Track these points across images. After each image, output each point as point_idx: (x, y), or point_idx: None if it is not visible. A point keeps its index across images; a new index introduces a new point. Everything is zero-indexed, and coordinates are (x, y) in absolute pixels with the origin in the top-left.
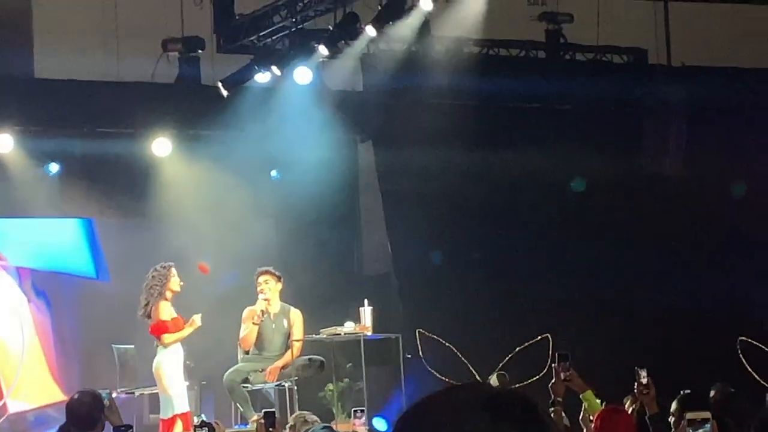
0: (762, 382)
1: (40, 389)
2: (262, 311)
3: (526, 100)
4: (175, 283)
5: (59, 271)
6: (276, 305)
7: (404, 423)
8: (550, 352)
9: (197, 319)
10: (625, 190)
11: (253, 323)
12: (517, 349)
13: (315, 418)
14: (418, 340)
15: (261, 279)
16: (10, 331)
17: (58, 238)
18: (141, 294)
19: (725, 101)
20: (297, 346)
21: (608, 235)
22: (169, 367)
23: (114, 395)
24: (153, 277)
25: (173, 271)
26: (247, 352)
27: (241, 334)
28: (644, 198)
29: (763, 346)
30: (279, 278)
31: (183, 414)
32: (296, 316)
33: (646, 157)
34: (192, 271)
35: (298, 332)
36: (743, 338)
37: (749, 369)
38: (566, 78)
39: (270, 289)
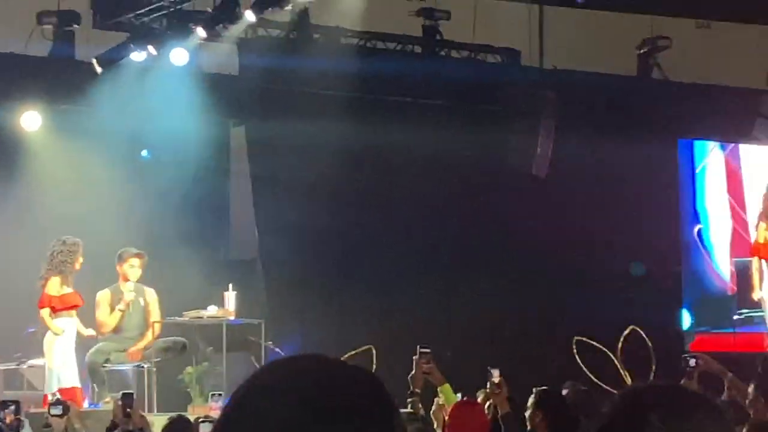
0: (595, 380)
1: None
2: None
3: (400, 93)
4: (78, 262)
5: None
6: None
7: (230, 404)
8: (374, 364)
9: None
10: (494, 188)
11: (119, 309)
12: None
13: None
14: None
15: (135, 262)
16: None
17: None
18: (43, 264)
19: (595, 106)
20: (157, 326)
21: (473, 230)
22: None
23: None
24: (62, 251)
25: (81, 249)
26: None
27: (100, 318)
28: (512, 197)
29: (597, 344)
30: (145, 259)
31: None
32: (152, 295)
33: (514, 158)
34: None
35: (155, 312)
36: (579, 338)
37: (584, 368)
38: (440, 74)
39: (137, 273)
